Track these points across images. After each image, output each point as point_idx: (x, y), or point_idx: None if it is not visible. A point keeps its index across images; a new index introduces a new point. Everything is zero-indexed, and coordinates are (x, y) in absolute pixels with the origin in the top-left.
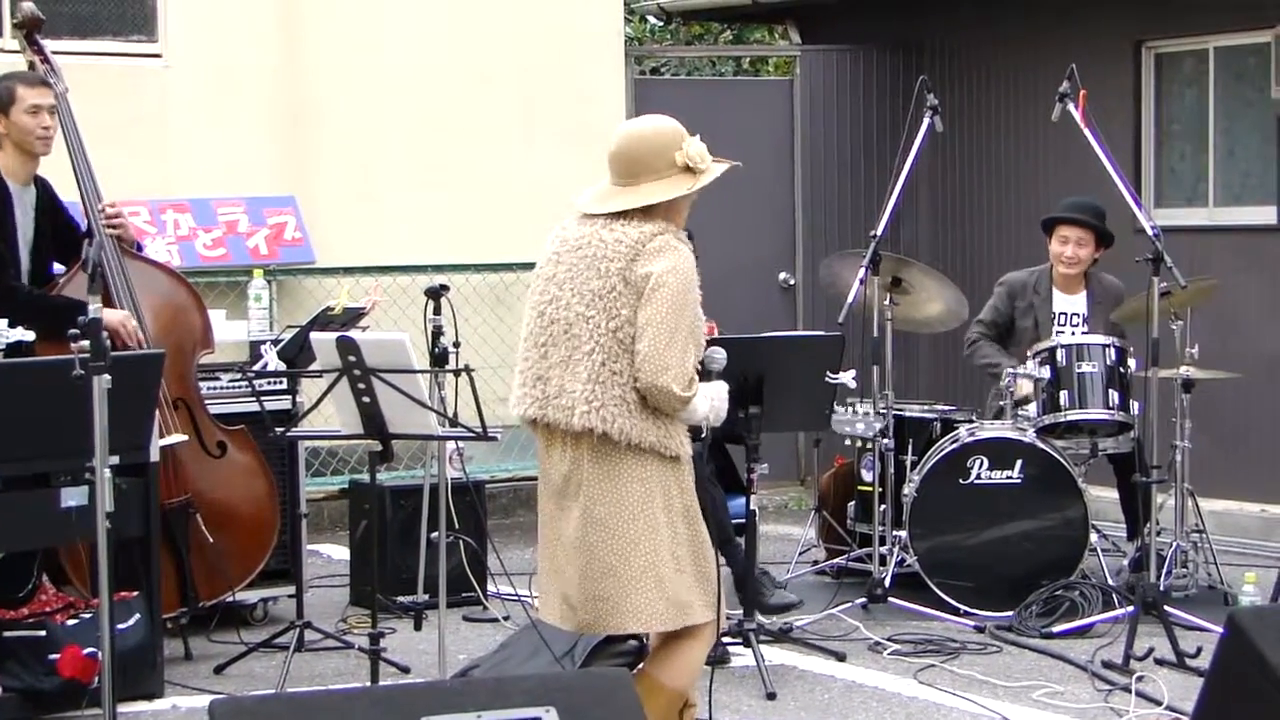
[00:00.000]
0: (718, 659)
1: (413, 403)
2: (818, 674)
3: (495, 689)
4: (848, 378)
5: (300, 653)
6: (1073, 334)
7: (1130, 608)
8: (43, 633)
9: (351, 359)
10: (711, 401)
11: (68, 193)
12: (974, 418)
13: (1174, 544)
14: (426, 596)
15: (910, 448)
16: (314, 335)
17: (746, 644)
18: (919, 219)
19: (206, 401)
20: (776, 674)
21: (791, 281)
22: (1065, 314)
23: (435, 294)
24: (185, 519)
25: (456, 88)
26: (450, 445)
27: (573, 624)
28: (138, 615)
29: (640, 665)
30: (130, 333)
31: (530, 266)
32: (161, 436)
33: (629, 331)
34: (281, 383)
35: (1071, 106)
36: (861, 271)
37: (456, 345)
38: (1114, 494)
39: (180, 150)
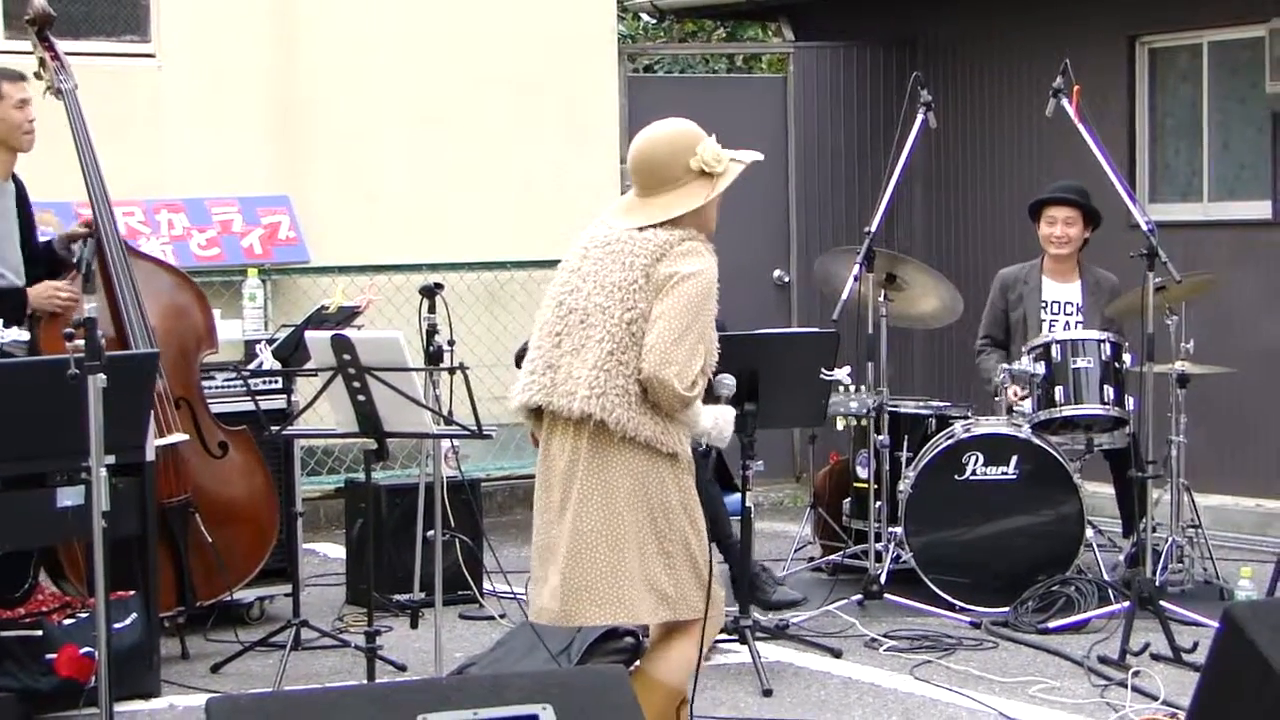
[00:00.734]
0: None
1: (408, 401)
2: (814, 670)
3: (492, 687)
4: (843, 374)
5: (297, 651)
6: (1066, 324)
7: (1126, 603)
8: (39, 632)
9: (346, 357)
10: (716, 419)
11: (70, 191)
12: (969, 414)
13: (1170, 539)
14: (422, 595)
15: (905, 444)
16: (309, 334)
17: (742, 641)
18: (913, 215)
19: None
20: (773, 671)
21: (786, 278)
22: (1058, 302)
23: (430, 292)
24: (185, 518)
25: (450, 86)
26: (446, 443)
27: (563, 618)
28: (134, 614)
29: (637, 662)
30: (63, 303)
31: (525, 265)
32: (163, 435)
33: (642, 326)
34: (276, 382)
35: (1065, 102)
36: (856, 268)
37: (451, 344)
38: (1110, 489)
39: (174, 150)
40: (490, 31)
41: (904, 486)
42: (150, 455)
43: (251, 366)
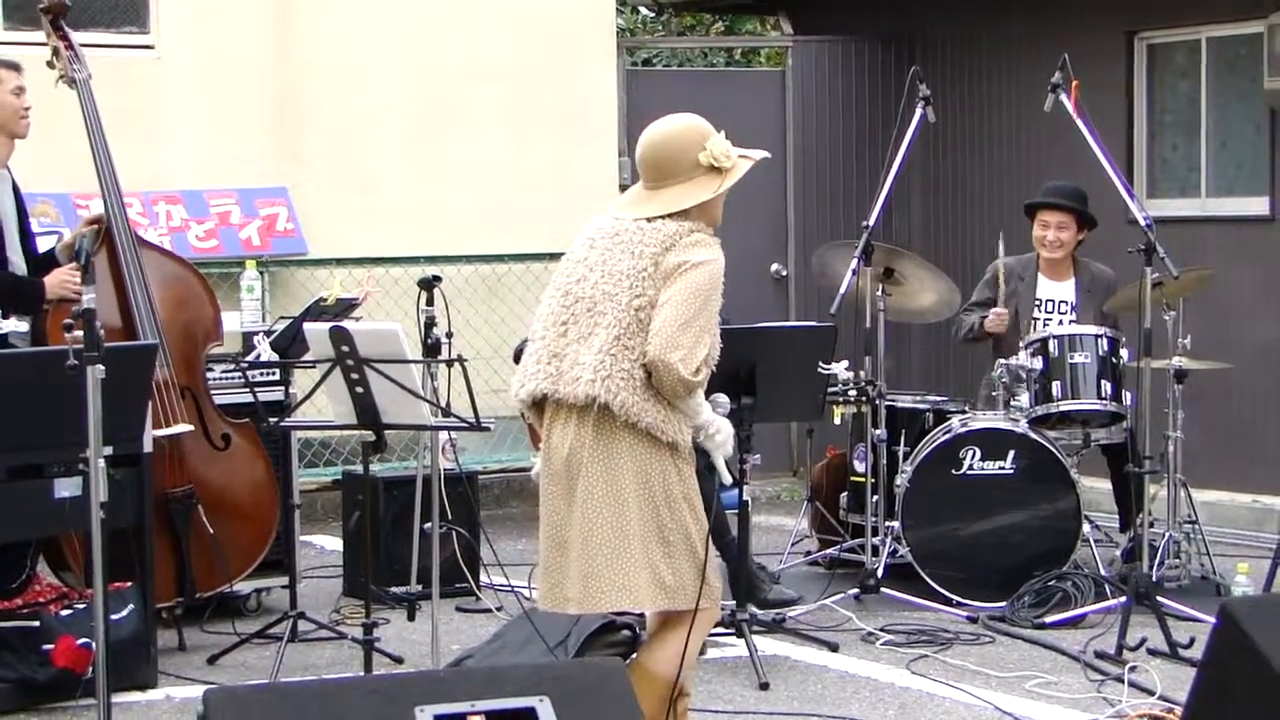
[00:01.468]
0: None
1: (406, 393)
2: (810, 664)
3: (489, 678)
4: (840, 368)
5: (294, 643)
6: (1060, 322)
7: (1123, 598)
8: (37, 623)
9: (345, 349)
10: (716, 418)
11: (68, 182)
12: (966, 408)
13: (1166, 534)
14: (420, 587)
15: (903, 438)
16: (307, 325)
17: (739, 634)
18: (911, 210)
19: None
20: (769, 664)
21: (784, 272)
22: (1052, 301)
23: (428, 285)
24: (187, 509)
25: (449, 78)
26: (443, 436)
27: (571, 604)
28: (131, 605)
29: (634, 655)
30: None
31: (523, 258)
32: (166, 425)
33: (649, 313)
34: (274, 373)
35: (1064, 97)
36: (854, 262)
37: (449, 336)
38: (1106, 485)
39: (172, 141)
40: (488, 23)
41: (901, 481)
42: (148, 446)
43: (249, 358)
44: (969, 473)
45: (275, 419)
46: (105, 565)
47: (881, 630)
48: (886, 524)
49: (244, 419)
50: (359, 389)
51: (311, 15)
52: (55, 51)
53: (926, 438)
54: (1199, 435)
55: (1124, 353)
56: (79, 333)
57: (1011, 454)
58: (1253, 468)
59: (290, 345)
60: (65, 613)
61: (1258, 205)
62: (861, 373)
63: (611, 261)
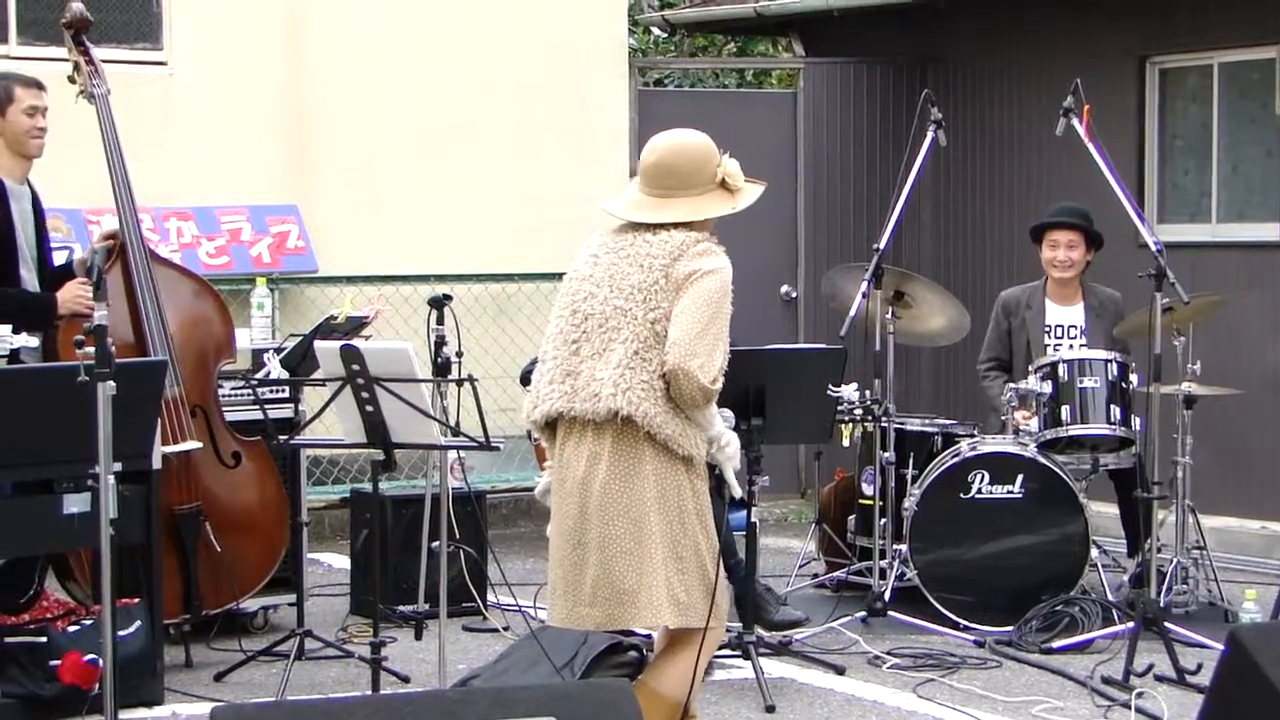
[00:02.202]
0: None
1: (415, 412)
2: (817, 687)
3: (497, 698)
4: (849, 391)
5: (300, 661)
6: (1070, 347)
7: (1130, 624)
8: (44, 639)
9: (355, 368)
10: (728, 431)
11: (80, 198)
12: (975, 432)
13: (1175, 560)
14: (427, 606)
15: (911, 461)
16: (318, 343)
17: (746, 656)
18: (922, 233)
19: None
20: (776, 687)
21: (793, 294)
22: (1061, 326)
23: (438, 304)
24: (195, 526)
25: (460, 98)
26: (452, 455)
27: (588, 622)
28: (139, 622)
29: (641, 676)
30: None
31: (533, 277)
32: (176, 442)
33: (665, 325)
34: (284, 391)
35: (1075, 121)
36: (864, 285)
37: (459, 355)
38: (1115, 510)
39: (184, 158)
40: (500, 43)
41: (909, 504)
42: (157, 463)
43: (259, 376)
44: (977, 496)
45: (285, 437)
46: (114, 581)
47: (888, 653)
48: (894, 547)
49: (255, 437)
50: (369, 408)
51: (324, 33)
52: (76, 66)
53: (935, 461)
54: (1208, 461)
55: (1133, 378)
56: (90, 349)
57: (1020, 478)
58: (1262, 494)
59: (300, 363)
60: (72, 629)
61: (1269, 231)
62: (870, 394)
63: (620, 276)
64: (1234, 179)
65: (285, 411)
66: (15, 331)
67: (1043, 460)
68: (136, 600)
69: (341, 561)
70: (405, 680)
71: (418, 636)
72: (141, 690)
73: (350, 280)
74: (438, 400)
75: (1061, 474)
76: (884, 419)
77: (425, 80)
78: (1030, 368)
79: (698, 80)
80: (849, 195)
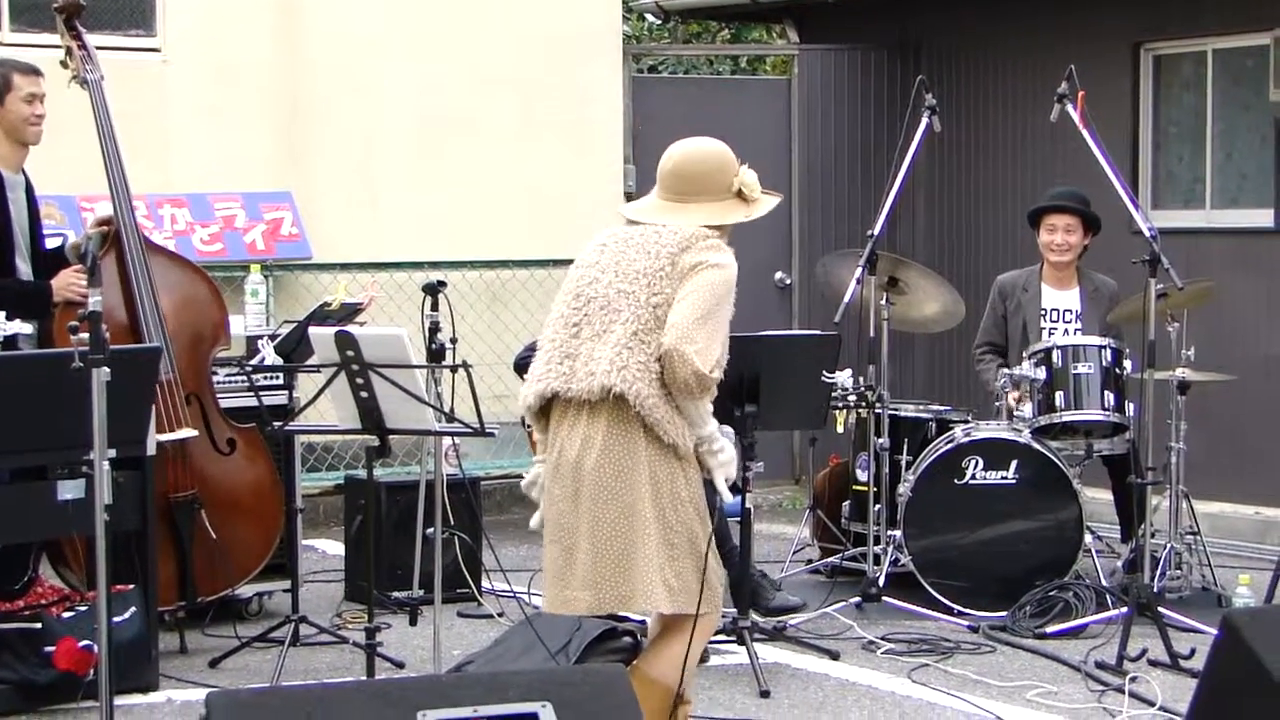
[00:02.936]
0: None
1: (410, 398)
2: (811, 672)
3: (491, 684)
4: (844, 377)
5: (295, 647)
6: (1065, 331)
7: (1124, 609)
8: (38, 625)
9: (350, 354)
10: (724, 437)
11: (74, 184)
12: (969, 418)
13: (1168, 546)
14: (421, 592)
15: (905, 447)
16: (313, 330)
17: (740, 642)
18: (916, 219)
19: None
20: (770, 672)
21: (788, 281)
22: (1057, 310)
23: (433, 290)
24: (191, 513)
25: (454, 84)
26: (446, 441)
27: (579, 607)
28: (133, 608)
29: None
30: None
31: (527, 264)
32: (172, 429)
33: (667, 310)
34: (278, 378)
35: (1070, 107)
36: (858, 271)
37: (453, 341)
38: (1109, 495)
39: (178, 145)
40: (494, 30)
41: (903, 490)
42: (151, 450)
43: (253, 362)
44: (971, 482)
45: (279, 423)
46: (108, 568)
47: (882, 639)
48: (888, 533)
49: (249, 424)
50: (363, 394)
51: (318, 20)
52: (69, 52)
53: (929, 447)
54: (1201, 447)
55: (1127, 363)
56: (84, 335)
57: (1014, 464)
58: (1255, 480)
59: (294, 349)
60: (67, 615)
61: (1263, 217)
62: (864, 380)
63: (626, 262)
64: (1228, 165)
65: (279, 398)
66: (9, 318)
67: (1037, 446)
68: (131, 586)
69: (336, 548)
70: (400, 666)
71: (412, 622)
72: (136, 676)
73: (344, 267)
74: (432, 386)
75: (1056, 460)
76: (878, 405)
77: (419, 66)
78: (1025, 353)
79: (692, 67)
80: (843, 181)
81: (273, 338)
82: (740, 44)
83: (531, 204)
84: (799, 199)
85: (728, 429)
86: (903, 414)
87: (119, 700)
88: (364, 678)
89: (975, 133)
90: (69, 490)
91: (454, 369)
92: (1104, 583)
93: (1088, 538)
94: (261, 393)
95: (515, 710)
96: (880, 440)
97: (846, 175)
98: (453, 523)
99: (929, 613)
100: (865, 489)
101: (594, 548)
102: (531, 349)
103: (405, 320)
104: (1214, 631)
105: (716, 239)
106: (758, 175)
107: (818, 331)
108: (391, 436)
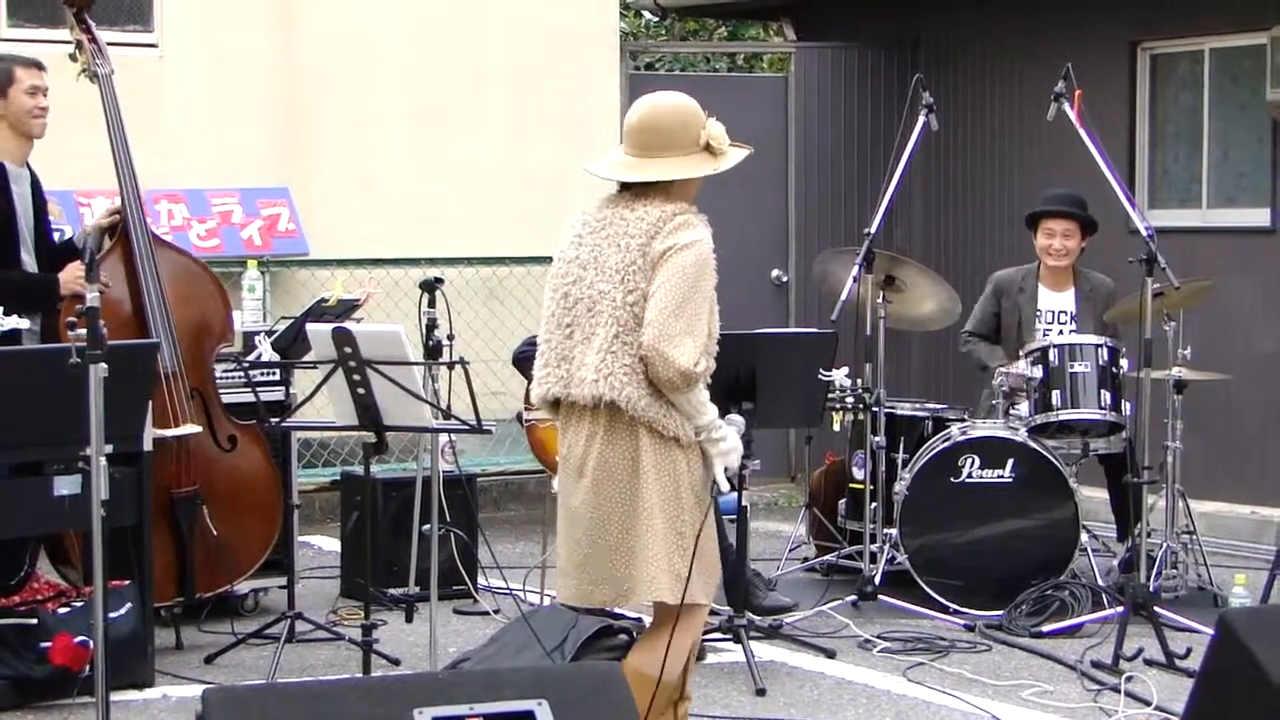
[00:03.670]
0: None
1: (407, 395)
2: (807, 671)
3: (487, 681)
4: (840, 375)
5: (291, 644)
6: (1060, 332)
7: (1120, 608)
8: (34, 621)
9: (347, 350)
10: (728, 430)
11: (73, 179)
12: (966, 416)
13: (1164, 545)
14: (417, 589)
15: (902, 445)
16: (310, 326)
17: (736, 640)
18: (913, 217)
19: None
20: (766, 670)
21: (784, 278)
22: (1053, 311)
23: (430, 287)
24: (192, 509)
25: (452, 81)
26: (443, 438)
27: (591, 599)
28: (129, 604)
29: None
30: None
31: (524, 261)
32: (175, 425)
33: (644, 305)
34: (275, 374)
35: (1067, 106)
36: (855, 269)
37: (450, 338)
38: (1105, 494)
39: (175, 140)
40: (491, 26)
41: (899, 488)
42: (148, 445)
43: (251, 358)
44: (968, 481)
45: (276, 419)
46: (105, 564)
47: (878, 637)
48: (884, 531)
49: (250, 420)
50: (360, 390)
51: (315, 16)
52: (79, 45)
53: (925, 445)
54: (1198, 446)
55: (1124, 363)
56: (82, 330)
57: (1010, 462)
58: (1251, 479)
59: (291, 345)
60: (63, 611)
61: (1259, 217)
62: (861, 382)
63: (602, 257)
64: (1224, 165)
65: (276, 394)
66: (7, 314)
67: (1033, 445)
68: (127, 582)
69: (332, 544)
70: (396, 663)
71: (408, 619)
72: (132, 672)
73: (341, 263)
74: (429, 383)
75: (1052, 459)
76: (874, 407)
77: (416, 62)
78: (1021, 352)
79: (689, 64)
80: (840, 179)
81: (270, 334)
82: (737, 41)
83: (528, 199)
84: (796, 197)
85: (738, 418)
86: (899, 412)
87: (115, 696)
88: (360, 675)
89: (972, 131)
90: (65, 486)
91: (451, 366)
92: (1100, 582)
93: (1084, 537)
94: (258, 389)
95: (511, 708)
96: (876, 438)
97: (843, 173)
98: (449, 519)
99: (925, 611)
100: (861, 487)
101: (599, 540)
102: (530, 344)
103: (402, 317)
104: (1210, 631)
105: (684, 214)
106: (756, 173)
107: (814, 329)
108: (388, 433)
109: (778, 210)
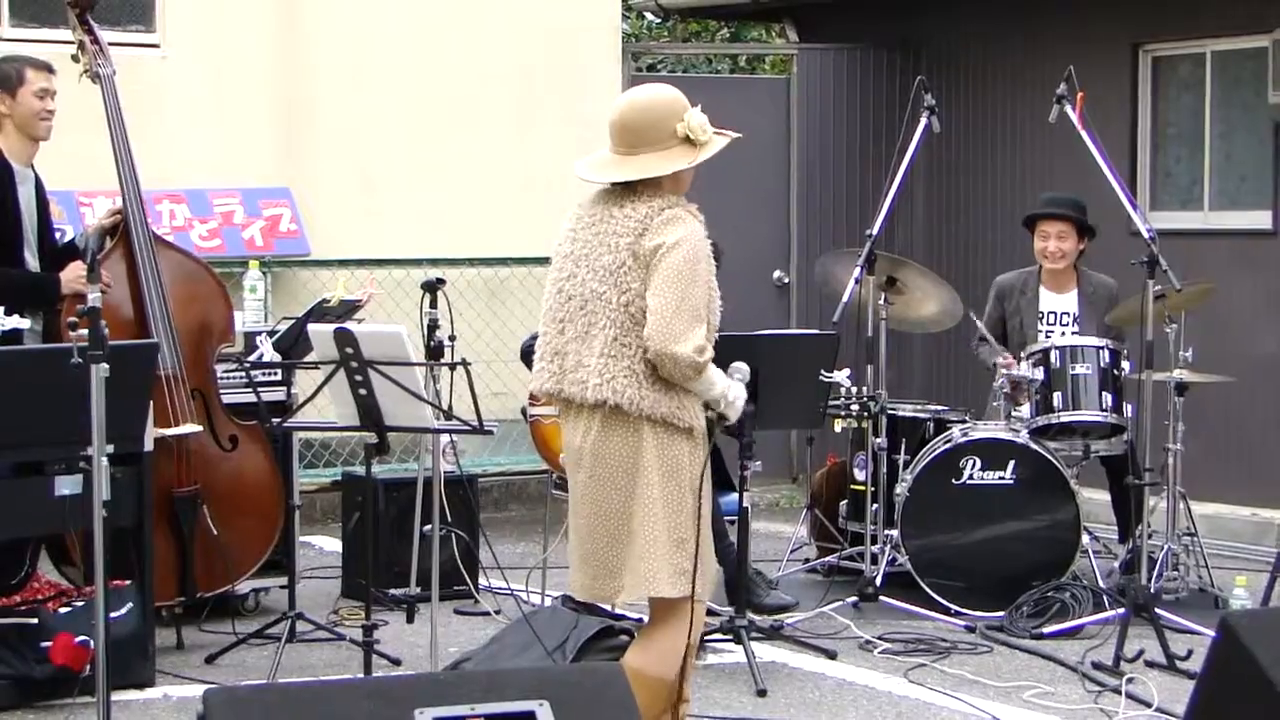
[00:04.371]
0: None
1: (408, 395)
2: (808, 672)
3: (489, 682)
4: (842, 376)
5: (292, 644)
6: (1063, 334)
7: (1121, 610)
8: (35, 620)
9: (349, 350)
10: (728, 387)
11: (73, 180)
12: (967, 418)
13: (1165, 546)
14: (418, 589)
15: (903, 447)
16: (312, 326)
17: (737, 640)
18: (915, 219)
19: None
20: (767, 671)
21: (786, 280)
22: (1055, 313)
23: (431, 287)
24: (193, 509)
25: (454, 82)
26: (444, 439)
27: (595, 593)
28: (130, 604)
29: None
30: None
31: (526, 261)
32: (176, 425)
33: (640, 305)
34: (277, 374)
35: (1069, 108)
36: (857, 271)
37: (452, 339)
38: (1106, 496)
39: (177, 141)
40: (494, 27)
41: (901, 489)
42: (148, 445)
43: (252, 358)
44: (969, 482)
45: (278, 419)
46: (107, 564)
47: (879, 638)
48: (886, 532)
49: (251, 420)
50: (362, 390)
51: (317, 16)
52: (81, 46)
53: (927, 447)
54: (1199, 448)
55: (1125, 365)
56: (83, 330)
57: (1011, 464)
58: (1252, 481)
59: (293, 346)
60: (64, 610)
61: (1261, 219)
62: (864, 388)
63: (594, 256)
64: (1226, 167)
65: (278, 394)
66: (8, 313)
67: (1034, 446)
68: (128, 582)
69: (333, 544)
70: (397, 663)
71: (409, 620)
72: (133, 672)
73: (343, 263)
74: (430, 384)
75: (1053, 460)
76: (877, 410)
77: (419, 63)
78: (1023, 354)
79: (691, 66)
80: (842, 181)
81: (271, 334)
82: (739, 43)
83: (530, 200)
84: (798, 198)
85: (743, 366)
86: (900, 414)
87: (115, 696)
88: (361, 675)
89: (975, 133)
90: (66, 486)
91: (453, 366)
92: (1101, 583)
93: (1085, 538)
94: (260, 389)
95: (512, 709)
96: (878, 440)
97: (845, 175)
98: (450, 520)
99: (926, 612)
100: (862, 488)
101: (598, 534)
102: (535, 338)
103: (404, 317)
104: (1211, 633)
105: (673, 208)
106: (758, 174)
107: (816, 331)
108: (390, 434)
109: (779, 212)
